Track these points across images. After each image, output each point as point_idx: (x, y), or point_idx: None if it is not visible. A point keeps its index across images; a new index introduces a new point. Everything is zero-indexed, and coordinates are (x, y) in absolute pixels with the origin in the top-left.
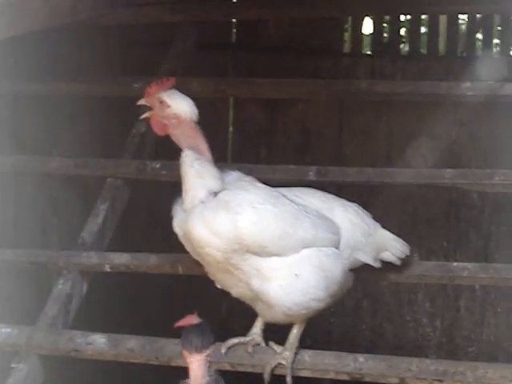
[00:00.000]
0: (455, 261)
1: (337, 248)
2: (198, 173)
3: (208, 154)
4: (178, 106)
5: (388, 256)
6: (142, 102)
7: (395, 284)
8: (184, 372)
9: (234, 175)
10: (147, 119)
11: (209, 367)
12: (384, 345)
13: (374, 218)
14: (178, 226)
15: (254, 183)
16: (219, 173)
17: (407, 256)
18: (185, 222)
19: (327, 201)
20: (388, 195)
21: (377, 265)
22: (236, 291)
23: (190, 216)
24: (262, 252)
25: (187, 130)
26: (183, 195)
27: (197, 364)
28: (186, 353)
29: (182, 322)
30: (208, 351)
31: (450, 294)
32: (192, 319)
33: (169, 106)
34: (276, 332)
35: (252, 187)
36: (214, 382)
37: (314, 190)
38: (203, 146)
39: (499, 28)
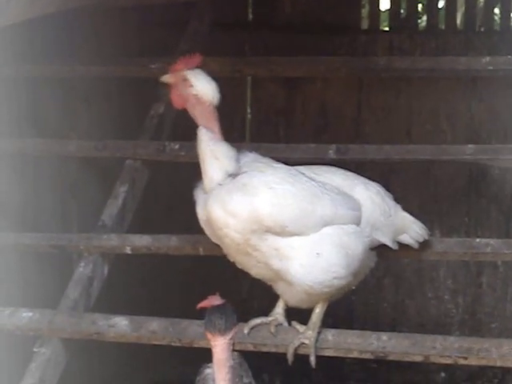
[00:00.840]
0: (476, 237)
1: (358, 225)
2: (212, 153)
3: (222, 138)
4: (201, 88)
5: (406, 238)
6: (165, 78)
7: (417, 261)
8: (208, 355)
9: (250, 156)
10: (167, 87)
11: (232, 350)
12: (406, 322)
13: (395, 200)
14: (200, 209)
15: (271, 164)
16: (235, 153)
17: (425, 240)
18: (205, 202)
19: (348, 178)
20: (408, 172)
21: (394, 246)
22: (256, 272)
23: (208, 198)
24: (282, 232)
25: (205, 112)
26: (203, 177)
27: (220, 347)
28: (209, 335)
29: (204, 303)
30: (231, 333)
31: (472, 271)
32: (214, 300)
33: (191, 86)
34: (299, 312)
35: (269, 168)
36: (238, 366)
37: (336, 167)
38: (217, 129)
39: None
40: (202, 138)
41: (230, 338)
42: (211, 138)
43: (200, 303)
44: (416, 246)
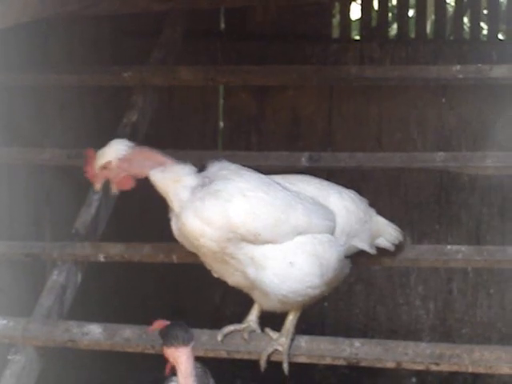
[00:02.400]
0: (447, 243)
1: (332, 234)
2: (172, 180)
3: (169, 160)
4: (114, 153)
5: (382, 242)
6: (98, 187)
7: (388, 268)
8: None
9: (217, 165)
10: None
11: (195, 359)
12: (378, 328)
13: (368, 204)
14: (174, 226)
15: (240, 171)
16: (190, 168)
17: (400, 242)
18: (178, 220)
19: (322, 188)
20: (379, 180)
21: (372, 251)
22: (233, 280)
23: (181, 212)
24: (255, 240)
25: (138, 158)
26: (170, 204)
27: (185, 357)
28: (171, 349)
29: (157, 325)
30: (193, 343)
31: (442, 277)
32: (163, 322)
33: (110, 162)
34: (272, 319)
35: (240, 175)
36: (203, 373)
37: (310, 177)
38: (160, 157)
39: (486, 11)
40: (156, 178)
41: (190, 352)
42: (162, 171)
43: (150, 327)
44: (392, 248)
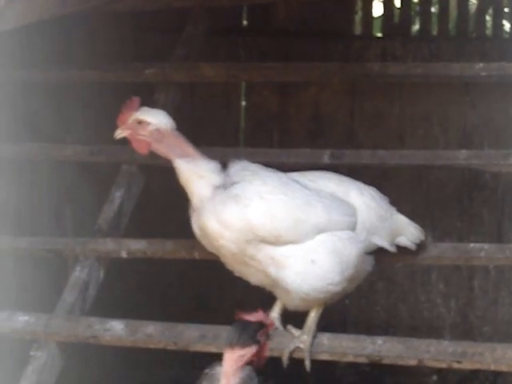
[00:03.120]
0: (469, 241)
1: (353, 231)
2: (196, 175)
3: (198, 155)
4: (158, 121)
5: (403, 241)
6: (120, 133)
7: (409, 265)
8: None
9: (239, 165)
10: (128, 141)
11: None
12: (399, 326)
13: (389, 203)
14: (194, 226)
15: (259, 172)
16: (216, 165)
17: (422, 241)
18: (198, 218)
19: (342, 184)
20: (400, 177)
21: (392, 249)
22: (256, 279)
23: (202, 211)
24: (276, 241)
25: (171, 140)
26: (191, 198)
27: (227, 360)
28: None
29: (241, 315)
30: (243, 352)
31: (464, 274)
32: (253, 315)
33: (149, 124)
34: (294, 316)
35: (259, 177)
36: (247, 378)
37: (330, 173)
38: (190, 149)
39: (508, 9)
40: (182, 168)
41: (241, 356)
42: (189, 162)
43: (241, 313)
44: (413, 247)
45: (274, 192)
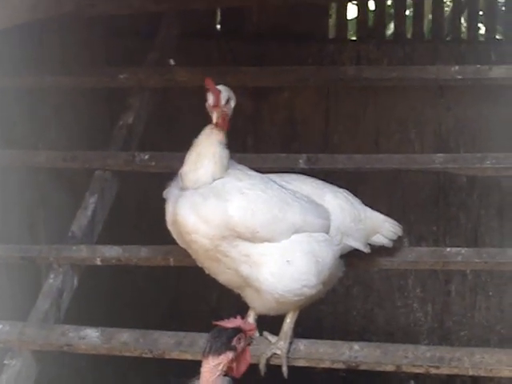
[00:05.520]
0: (445, 245)
1: (327, 233)
2: (215, 155)
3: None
4: (235, 99)
5: (379, 239)
6: (216, 118)
7: (386, 270)
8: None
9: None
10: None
11: (224, 375)
12: (375, 331)
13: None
14: (170, 207)
15: (246, 171)
16: (228, 163)
17: (399, 237)
18: (174, 208)
19: (317, 187)
20: (376, 181)
21: (366, 250)
22: (224, 278)
23: (179, 200)
24: (253, 237)
25: (227, 118)
26: (187, 170)
27: (205, 369)
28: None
29: (219, 322)
30: (218, 360)
31: (440, 279)
32: (230, 322)
33: (231, 100)
34: (270, 322)
35: (243, 175)
36: None
37: (305, 176)
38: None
39: (482, 12)
40: (213, 137)
41: (217, 364)
42: (222, 142)
43: (218, 320)
44: (390, 245)
45: (253, 188)
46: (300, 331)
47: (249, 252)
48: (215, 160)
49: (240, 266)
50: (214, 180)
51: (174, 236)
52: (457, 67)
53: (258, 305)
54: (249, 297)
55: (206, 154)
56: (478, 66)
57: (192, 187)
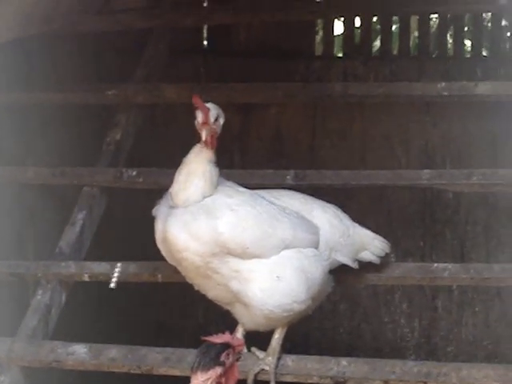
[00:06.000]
0: (432, 261)
1: (316, 248)
2: (205, 174)
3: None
4: (223, 117)
5: (367, 255)
6: (207, 134)
7: (372, 286)
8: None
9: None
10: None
11: None
12: (362, 347)
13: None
14: (160, 225)
15: (235, 188)
16: (217, 181)
17: (387, 254)
18: (164, 226)
19: (306, 202)
20: (363, 196)
21: (355, 265)
22: (214, 294)
23: (168, 218)
24: (243, 253)
25: (215, 137)
26: (177, 188)
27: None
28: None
29: (208, 337)
30: (206, 376)
31: (427, 294)
32: (219, 338)
33: (220, 119)
34: (258, 338)
35: (233, 192)
36: None
37: (293, 191)
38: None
39: (467, 28)
40: (203, 156)
41: (205, 380)
42: (211, 160)
43: (207, 336)
44: (378, 261)
45: (243, 204)
46: (288, 347)
47: (239, 268)
48: (205, 178)
49: (230, 282)
50: (204, 198)
51: (164, 254)
52: (443, 84)
53: (247, 320)
54: (238, 313)
55: (196, 172)
56: (464, 82)
57: (182, 205)
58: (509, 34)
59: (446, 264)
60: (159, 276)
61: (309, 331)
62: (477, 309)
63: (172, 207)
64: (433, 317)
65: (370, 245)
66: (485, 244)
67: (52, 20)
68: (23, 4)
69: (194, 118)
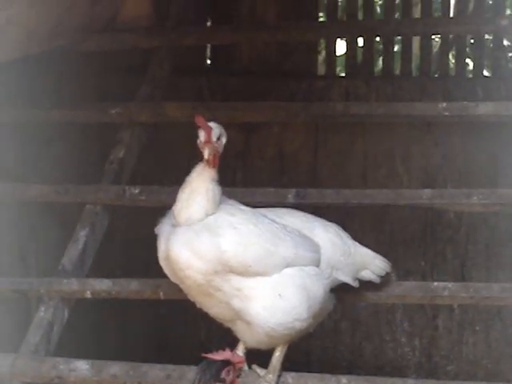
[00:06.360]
0: (432, 280)
1: (317, 267)
2: (208, 192)
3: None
4: (225, 136)
5: (367, 274)
6: (209, 154)
7: (373, 304)
8: None
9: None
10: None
11: None
12: (363, 365)
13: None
14: (162, 244)
15: (237, 206)
16: (220, 199)
17: (387, 273)
18: (166, 244)
19: (307, 221)
20: (364, 216)
21: (355, 284)
22: (216, 311)
23: (171, 236)
24: (245, 272)
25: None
26: (179, 207)
27: None
28: None
29: (208, 354)
30: None
31: (428, 313)
32: (219, 355)
33: (223, 137)
34: (259, 355)
35: (235, 210)
36: None
37: (294, 210)
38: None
39: (468, 48)
40: (205, 174)
41: None
42: (214, 179)
43: (207, 352)
44: (378, 280)
45: (245, 223)
46: (288, 366)
47: (241, 286)
48: (208, 197)
49: (232, 300)
50: (207, 216)
51: (166, 272)
52: (444, 104)
53: (248, 338)
54: (239, 330)
55: (199, 191)
56: (465, 102)
57: (185, 224)
58: (510, 54)
59: (446, 283)
60: (161, 293)
61: (310, 349)
62: (477, 328)
63: (175, 225)
64: (433, 336)
65: (371, 264)
66: (486, 264)
67: (55, 39)
68: (27, 23)
69: (197, 136)
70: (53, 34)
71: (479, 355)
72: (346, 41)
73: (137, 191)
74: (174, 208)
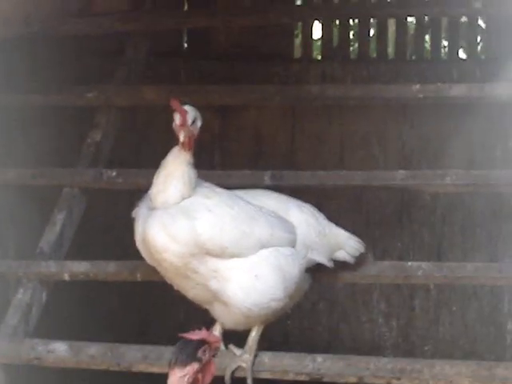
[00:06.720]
0: (409, 261)
1: (293, 247)
2: (184, 175)
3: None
4: (200, 119)
5: (342, 255)
6: (185, 136)
7: (351, 285)
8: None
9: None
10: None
11: None
12: (341, 346)
13: (327, 219)
14: (139, 227)
15: (213, 189)
16: (196, 182)
17: (361, 254)
18: (144, 227)
19: (282, 202)
20: (341, 198)
21: (330, 265)
22: (193, 293)
23: (148, 220)
24: (222, 254)
25: (193, 139)
26: (156, 191)
27: (171, 380)
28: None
29: (185, 334)
30: (184, 372)
31: (404, 294)
32: (195, 334)
33: (197, 121)
34: (235, 335)
35: (211, 193)
36: None
37: (270, 191)
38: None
39: (443, 31)
40: (181, 158)
41: (182, 376)
42: (190, 162)
43: (184, 332)
44: (352, 261)
45: (221, 206)
46: (266, 346)
47: (217, 267)
48: (184, 180)
49: (209, 282)
50: (183, 199)
51: (143, 255)
52: (418, 86)
53: (225, 319)
54: (217, 312)
55: (175, 174)
56: (439, 84)
57: (161, 207)
58: (484, 36)
59: (420, 263)
60: (138, 275)
61: (288, 330)
62: (454, 308)
63: (151, 209)
64: (410, 316)
65: (345, 244)
66: (461, 244)
67: (32, 22)
68: (2, 7)
69: (172, 119)
70: (29, 19)
71: (456, 335)
72: (321, 24)
73: (114, 174)
74: (150, 191)
